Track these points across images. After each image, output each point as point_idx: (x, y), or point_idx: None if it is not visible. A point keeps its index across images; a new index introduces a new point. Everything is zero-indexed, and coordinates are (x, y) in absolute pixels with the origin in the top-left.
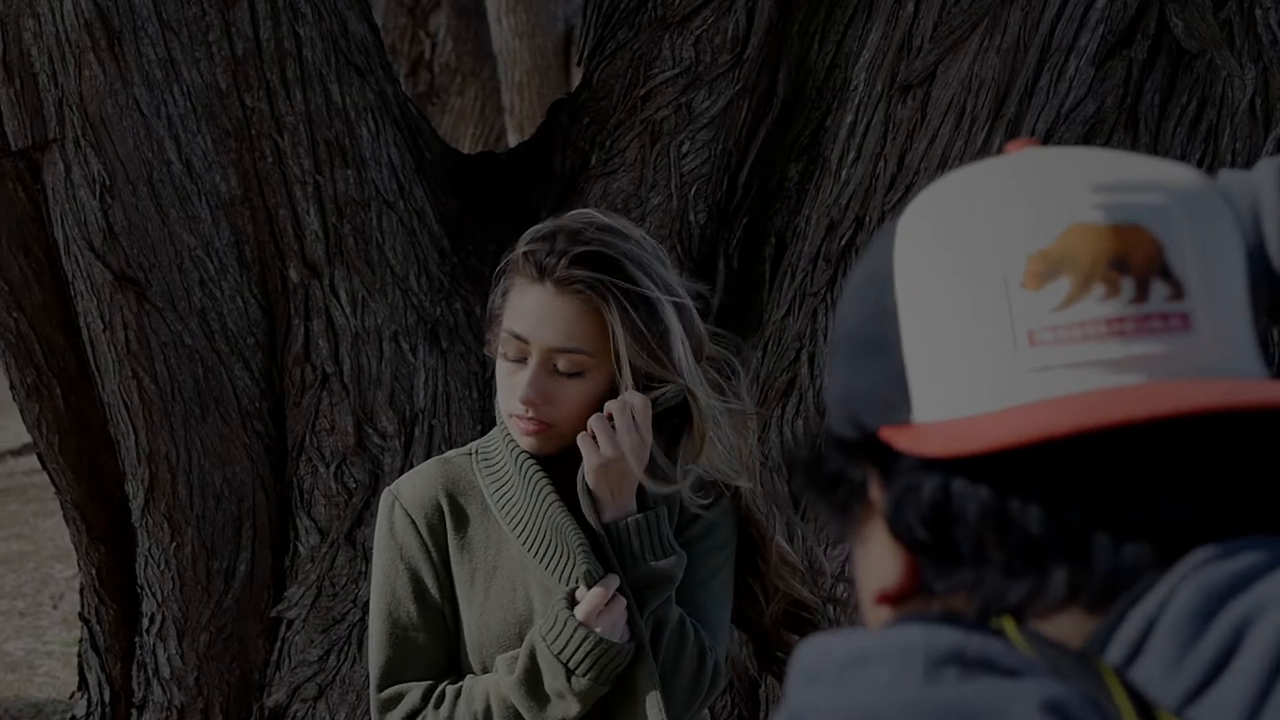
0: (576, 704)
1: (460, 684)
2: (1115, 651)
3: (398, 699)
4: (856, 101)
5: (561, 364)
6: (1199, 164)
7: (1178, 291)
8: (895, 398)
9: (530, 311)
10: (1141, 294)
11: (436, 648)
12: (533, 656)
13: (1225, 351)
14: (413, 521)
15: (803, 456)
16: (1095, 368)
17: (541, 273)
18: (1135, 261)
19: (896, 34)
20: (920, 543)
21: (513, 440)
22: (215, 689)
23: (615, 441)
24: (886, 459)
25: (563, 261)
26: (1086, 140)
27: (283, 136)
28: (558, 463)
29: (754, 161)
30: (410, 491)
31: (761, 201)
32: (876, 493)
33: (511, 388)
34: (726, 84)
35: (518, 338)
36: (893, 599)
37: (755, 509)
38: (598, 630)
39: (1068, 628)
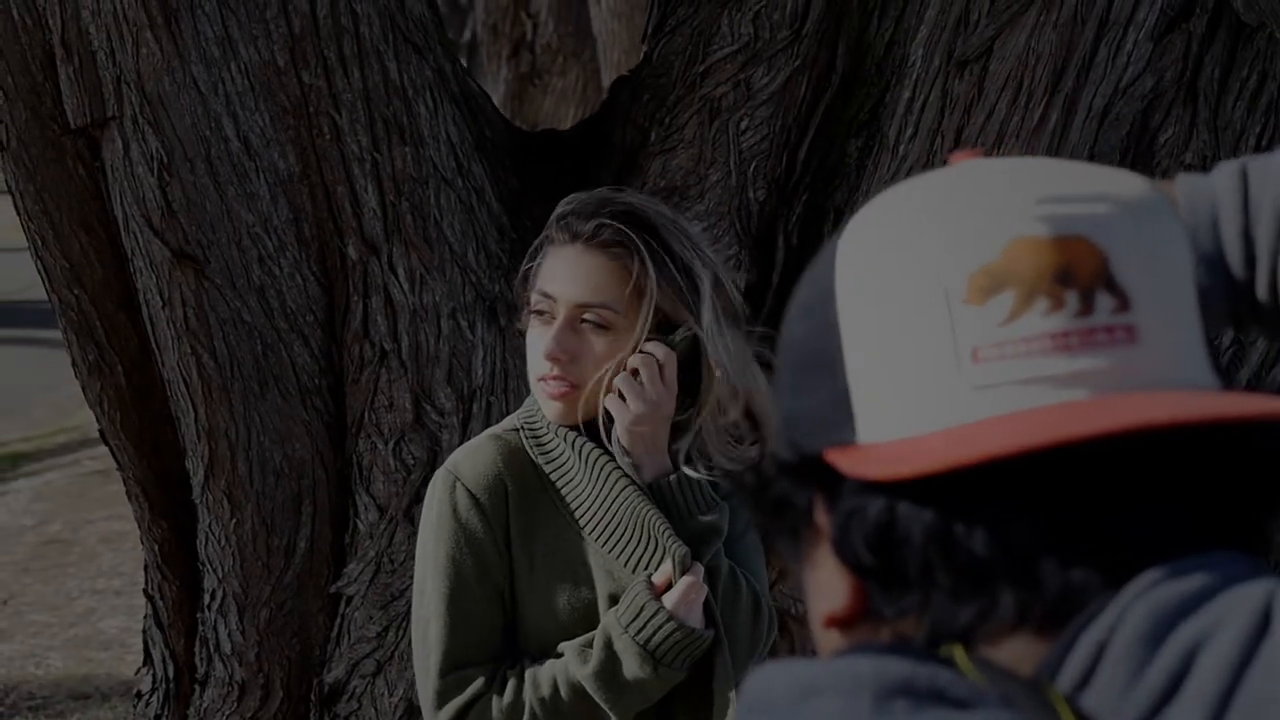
0: (657, 691)
1: (520, 668)
2: (1066, 678)
3: (460, 686)
4: (914, 77)
5: (588, 318)
6: (1259, 138)
7: (1123, 303)
8: (839, 418)
9: (559, 269)
10: (1086, 307)
11: (498, 631)
12: (609, 646)
13: (1174, 362)
14: (476, 502)
15: (749, 481)
16: (1040, 384)
17: (573, 236)
18: (1079, 274)
19: (954, 9)
20: (866, 567)
21: None
22: (276, 665)
23: (644, 396)
24: (831, 481)
25: (592, 221)
26: (1146, 115)
27: (340, 114)
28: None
29: (813, 138)
30: (472, 471)
31: (821, 178)
32: (822, 516)
33: (539, 348)
34: (785, 60)
35: (546, 295)
36: (841, 623)
37: None
38: (681, 617)
39: (1019, 653)
